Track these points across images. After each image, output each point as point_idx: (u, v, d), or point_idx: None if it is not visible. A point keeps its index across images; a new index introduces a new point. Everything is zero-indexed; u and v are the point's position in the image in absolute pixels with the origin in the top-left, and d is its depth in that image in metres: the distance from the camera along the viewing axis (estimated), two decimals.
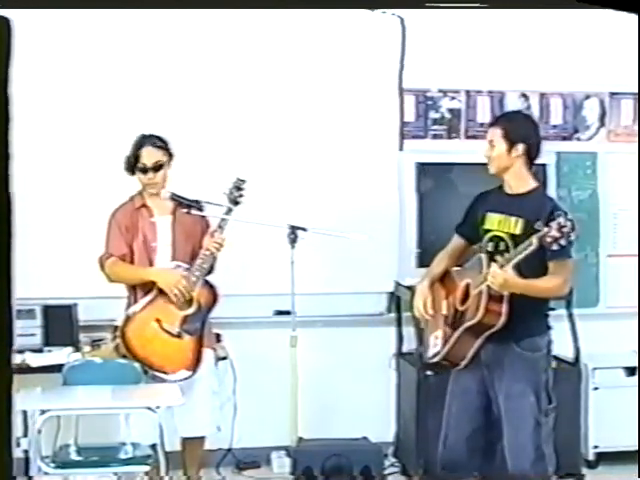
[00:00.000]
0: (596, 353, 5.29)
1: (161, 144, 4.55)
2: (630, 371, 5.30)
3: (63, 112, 4.96)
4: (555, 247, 3.43)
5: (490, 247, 3.78)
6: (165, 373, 4.41)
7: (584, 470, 5.09)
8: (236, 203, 4.48)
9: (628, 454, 5.07)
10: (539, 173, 5.46)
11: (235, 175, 4.52)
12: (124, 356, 4.40)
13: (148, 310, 4.46)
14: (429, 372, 4.74)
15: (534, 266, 3.62)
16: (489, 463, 3.90)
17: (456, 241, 4.04)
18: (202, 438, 4.66)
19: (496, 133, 3.82)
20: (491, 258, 3.69)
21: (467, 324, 3.73)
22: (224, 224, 4.46)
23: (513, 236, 3.70)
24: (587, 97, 5.62)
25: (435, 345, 3.91)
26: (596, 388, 5.25)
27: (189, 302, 4.46)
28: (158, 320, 4.45)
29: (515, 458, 3.75)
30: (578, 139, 5.63)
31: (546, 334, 3.80)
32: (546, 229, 3.42)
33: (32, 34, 4.74)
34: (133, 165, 4.51)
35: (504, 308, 3.63)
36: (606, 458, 5.26)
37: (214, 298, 4.53)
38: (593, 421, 5.23)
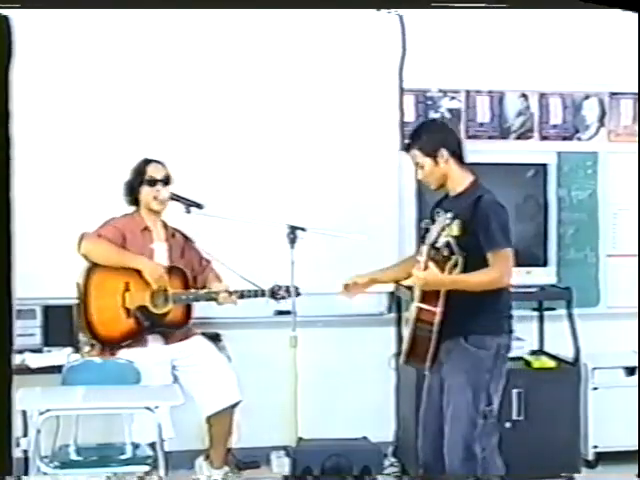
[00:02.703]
0: (596, 353, 5.29)
1: (163, 165, 4.62)
2: (630, 371, 5.30)
3: (64, 112, 4.96)
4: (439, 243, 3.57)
5: (441, 251, 3.70)
6: (90, 329, 4.44)
7: (583, 470, 5.09)
8: (274, 298, 4.66)
9: (627, 454, 5.06)
10: (539, 173, 5.52)
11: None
12: (78, 302, 4.41)
13: (123, 271, 4.47)
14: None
15: (478, 261, 3.64)
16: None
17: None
18: (231, 409, 4.70)
19: (416, 155, 3.84)
20: (445, 261, 3.67)
21: (410, 324, 3.75)
22: (248, 295, 4.61)
23: (455, 237, 3.66)
24: (587, 97, 5.62)
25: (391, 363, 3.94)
26: (596, 388, 5.24)
27: (165, 303, 4.51)
28: (128, 286, 4.45)
29: (448, 455, 3.74)
30: (578, 139, 5.63)
31: (500, 336, 3.74)
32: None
33: (32, 34, 4.74)
34: (139, 183, 4.55)
35: (439, 307, 3.65)
36: (605, 458, 5.25)
37: (184, 320, 4.59)
38: (593, 421, 5.22)
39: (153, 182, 4.56)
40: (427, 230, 3.74)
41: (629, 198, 5.56)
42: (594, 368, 5.25)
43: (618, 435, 5.16)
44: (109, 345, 4.47)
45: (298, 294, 4.63)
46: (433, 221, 3.76)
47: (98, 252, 4.44)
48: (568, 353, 5.14)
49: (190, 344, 4.66)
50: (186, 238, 4.68)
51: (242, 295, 4.62)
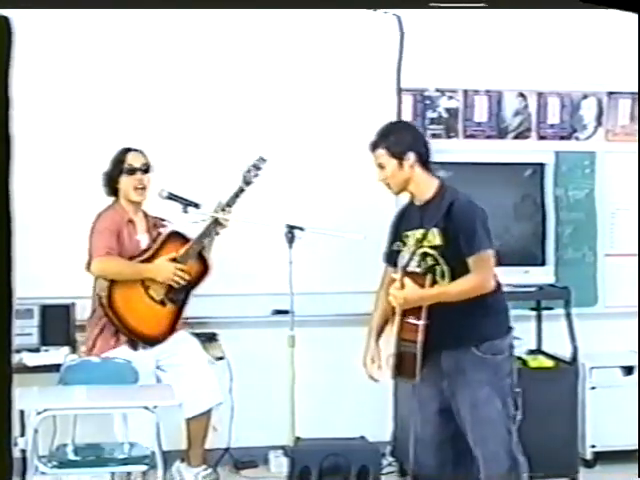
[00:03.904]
0: (593, 352, 5.30)
1: (143, 154, 4.61)
2: (627, 370, 5.30)
3: (63, 112, 4.96)
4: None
5: (421, 265, 3.60)
6: (139, 336, 4.49)
7: (581, 469, 5.09)
8: (248, 183, 4.58)
9: (626, 453, 5.08)
10: (537, 172, 5.52)
11: (251, 158, 4.65)
12: (106, 315, 4.44)
13: None
14: None
15: (464, 268, 3.52)
16: (461, 474, 3.76)
17: (389, 271, 3.83)
18: (208, 412, 4.70)
19: (381, 154, 3.69)
20: (424, 275, 3.55)
21: (394, 342, 3.61)
22: (233, 202, 4.56)
23: (436, 247, 3.58)
24: (585, 97, 5.62)
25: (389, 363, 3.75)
26: (593, 387, 5.25)
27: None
28: (145, 284, 4.50)
29: (489, 467, 3.63)
30: (576, 139, 5.63)
31: (507, 336, 3.66)
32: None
33: (32, 34, 4.73)
34: (118, 172, 4.54)
35: (421, 322, 3.52)
36: (603, 457, 5.26)
37: (204, 270, 4.62)
38: (590, 420, 5.23)
39: (132, 171, 4.54)
40: (398, 252, 3.66)
41: (627, 198, 5.57)
42: (592, 367, 5.25)
43: (616, 435, 5.17)
44: (160, 342, 4.55)
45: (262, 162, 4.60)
46: (404, 243, 3.68)
47: (112, 271, 4.47)
48: (566, 353, 5.14)
49: (175, 341, 4.65)
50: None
51: (228, 204, 4.58)
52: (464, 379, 3.62)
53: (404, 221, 3.79)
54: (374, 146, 3.75)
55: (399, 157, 3.65)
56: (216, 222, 4.58)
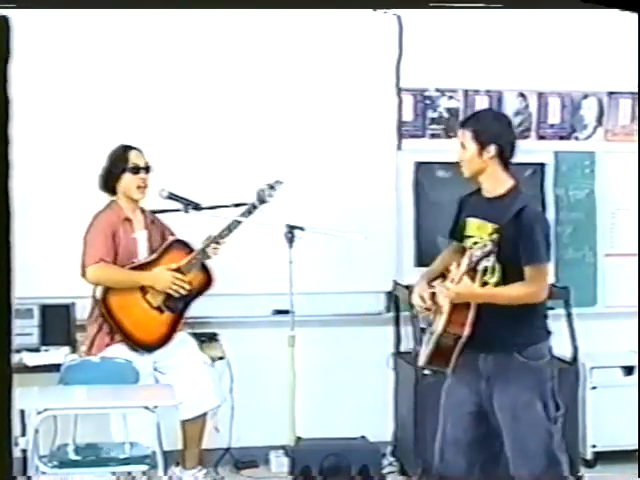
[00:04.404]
0: (594, 352, 5.30)
1: (142, 152, 4.61)
2: (628, 370, 5.30)
3: (62, 112, 4.96)
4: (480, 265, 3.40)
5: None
6: (135, 342, 4.48)
7: (582, 469, 5.08)
8: (262, 202, 4.58)
9: (626, 453, 5.08)
10: (537, 172, 5.53)
11: (259, 177, 4.67)
12: (102, 316, 4.44)
13: None
14: (427, 371, 4.64)
15: (514, 271, 3.49)
16: (488, 475, 3.72)
17: (453, 244, 3.83)
18: (204, 415, 4.70)
19: (466, 135, 3.64)
20: (475, 265, 3.49)
21: (436, 333, 3.56)
22: (234, 227, 4.54)
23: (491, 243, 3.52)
24: (585, 96, 5.62)
25: (424, 348, 3.71)
26: (594, 387, 5.25)
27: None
28: (144, 289, 4.50)
29: (525, 467, 3.59)
30: (576, 138, 5.63)
31: (548, 340, 3.64)
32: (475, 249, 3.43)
33: (32, 34, 4.74)
34: (120, 171, 4.52)
35: (469, 318, 3.48)
36: (604, 457, 5.26)
37: (208, 281, 4.60)
38: (591, 420, 5.23)
39: (136, 170, 4.53)
40: (464, 248, 3.60)
41: (627, 198, 5.57)
42: (592, 367, 5.26)
43: (616, 434, 5.16)
44: (156, 348, 4.54)
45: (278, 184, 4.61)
46: (468, 236, 3.63)
47: (107, 279, 4.48)
48: (566, 352, 5.14)
49: (173, 342, 4.63)
50: (165, 226, 4.68)
51: (237, 220, 4.54)
52: (506, 384, 3.57)
53: (468, 206, 3.75)
54: (462, 124, 3.77)
55: (481, 144, 3.60)
56: (215, 241, 4.55)
